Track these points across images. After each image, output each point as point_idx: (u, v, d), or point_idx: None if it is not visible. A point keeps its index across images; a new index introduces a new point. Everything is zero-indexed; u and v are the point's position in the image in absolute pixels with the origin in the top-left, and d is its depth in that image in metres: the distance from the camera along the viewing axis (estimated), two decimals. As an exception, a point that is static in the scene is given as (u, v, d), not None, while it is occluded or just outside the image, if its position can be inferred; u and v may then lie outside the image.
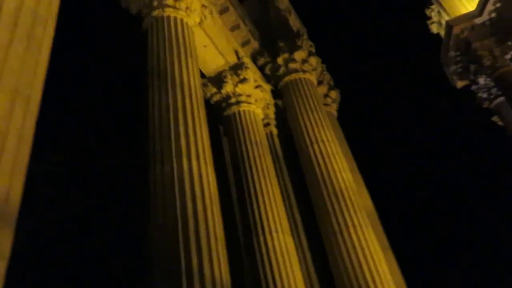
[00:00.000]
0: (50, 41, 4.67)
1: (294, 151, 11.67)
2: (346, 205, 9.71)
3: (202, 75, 10.93)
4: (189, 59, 8.30)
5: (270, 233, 8.97)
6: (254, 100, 11.65)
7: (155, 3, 8.71)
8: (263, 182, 9.89)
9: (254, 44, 13.01)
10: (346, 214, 9.57)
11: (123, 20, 9.74)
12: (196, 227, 6.12)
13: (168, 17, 8.68)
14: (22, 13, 4.28)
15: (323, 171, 10.32)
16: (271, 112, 12.52)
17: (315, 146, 10.77)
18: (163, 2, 8.72)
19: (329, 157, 10.56)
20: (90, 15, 10.87)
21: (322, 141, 10.84)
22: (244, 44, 12.65)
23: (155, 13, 8.73)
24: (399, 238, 13.11)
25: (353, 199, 9.91)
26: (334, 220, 9.53)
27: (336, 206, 9.70)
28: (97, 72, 11.34)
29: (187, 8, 9.02)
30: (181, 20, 8.71)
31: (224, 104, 11.56)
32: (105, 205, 9.97)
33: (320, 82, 13.62)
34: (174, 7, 8.69)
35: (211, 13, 10.17)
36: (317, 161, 10.55)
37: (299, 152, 11.24)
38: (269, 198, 9.55)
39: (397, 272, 10.56)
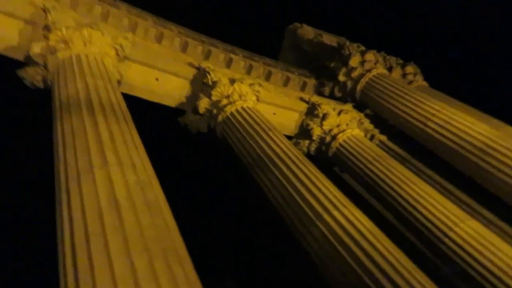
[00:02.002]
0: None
1: (411, 143, 11.00)
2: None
3: (289, 137, 11.17)
4: (270, 132, 8.75)
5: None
6: (346, 125, 11.44)
7: (223, 110, 9.59)
8: (407, 188, 9.38)
9: (311, 82, 13.07)
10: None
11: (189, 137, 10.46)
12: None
13: (238, 112, 9.53)
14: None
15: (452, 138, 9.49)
16: (367, 123, 12.13)
17: (430, 123, 9.97)
18: (230, 100, 9.55)
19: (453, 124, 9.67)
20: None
21: (434, 115, 10.01)
22: (303, 88, 12.77)
23: (225, 114, 9.58)
24: None
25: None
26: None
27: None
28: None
29: (240, 96, 9.72)
30: (245, 107, 9.37)
31: (324, 148, 11.51)
32: None
33: (390, 68, 13.03)
34: (232, 103, 9.47)
35: (260, 85, 10.59)
36: (443, 135, 9.70)
37: (419, 136, 10.49)
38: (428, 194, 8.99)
39: None
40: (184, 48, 10.20)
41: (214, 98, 9.77)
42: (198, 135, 10.43)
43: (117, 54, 8.55)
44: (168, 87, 9.92)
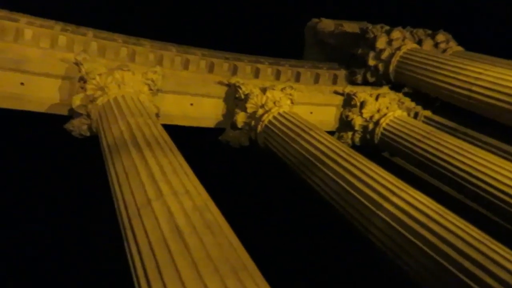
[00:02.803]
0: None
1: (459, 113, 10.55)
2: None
3: (331, 133, 11.04)
4: (311, 131, 8.72)
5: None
6: (386, 108, 11.16)
7: (261, 120, 9.83)
8: (464, 159, 8.98)
9: (341, 74, 12.87)
10: None
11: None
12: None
13: (275, 118, 9.60)
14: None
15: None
16: (408, 102, 11.77)
17: (476, 88, 9.50)
18: (265, 109, 9.80)
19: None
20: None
21: (478, 78, 9.52)
22: (334, 81, 12.61)
23: (263, 123, 9.76)
24: None
25: None
26: None
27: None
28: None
29: (274, 102, 9.78)
30: (281, 112, 9.42)
31: (368, 136, 11.29)
32: None
33: (419, 42, 12.60)
34: (268, 111, 9.55)
35: (291, 88, 10.57)
36: (491, 97, 9.20)
37: (466, 103, 10.02)
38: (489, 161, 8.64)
39: None
40: (210, 69, 10.42)
41: (249, 110, 9.88)
42: (241, 150, 10.56)
43: (150, 89, 8.87)
44: (203, 109, 10.15)
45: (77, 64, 8.40)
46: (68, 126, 8.49)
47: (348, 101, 11.54)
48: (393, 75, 11.72)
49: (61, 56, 8.57)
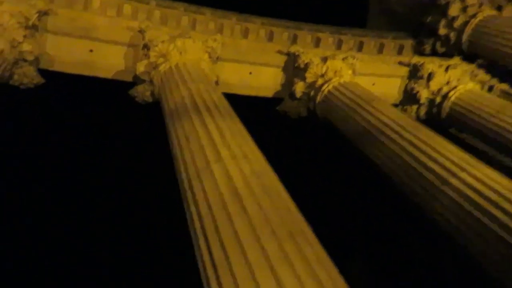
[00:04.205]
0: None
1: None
2: None
3: (394, 106, 10.52)
4: (374, 102, 8.35)
5: None
6: (457, 81, 10.40)
7: (320, 90, 9.53)
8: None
9: (408, 43, 12.13)
10: None
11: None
12: None
13: (335, 88, 9.30)
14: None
15: None
16: (482, 74, 10.87)
17: None
18: (325, 79, 9.51)
19: None
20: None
21: None
22: (400, 51, 11.92)
23: (327, 89, 9.46)
24: None
25: None
26: None
27: None
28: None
29: (335, 72, 9.45)
30: (342, 82, 9.07)
31: (435, 110, 10.64)
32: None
33: (499, 8, 11.46)
34: (328, 81, 9.28)
35: (353, 58, 10.14)
36: None
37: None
38: None
39: None
40: (270, 37, 10.24)
41: (309, 80, 9.63)
42: (299, 120, 10.40)
43: (210, 57, 8.91)
44: (262, 78, 10.06)
45: (141, 32, 8.60)
46: (133, 92, 8.80)
47: (414, 73, 10.89)
48: (466, 45, 10.83)
49: (126, 24, 8.82)
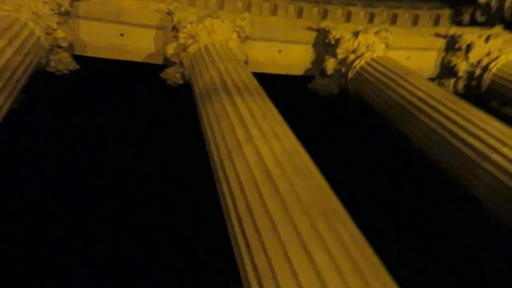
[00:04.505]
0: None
1: None
2: None
3: (431, 80, 10.12)
4: (409, 77, 8.06)
5: None
6: (498, 51, 9.87)
7: (352, 66, 9.38)
8: None
9: (445, 13, 11.53)
10: None
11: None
12: None
13: (368, 64, 9.10)
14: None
15: None
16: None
17: None
18: (357, 54, 9.34)
19: None
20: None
21: None
22: (436, 22, 11.37)
23: (359, 65, 9.23)
24: None
25: None
26: None
27: None
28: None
29: (368, 46, 9.18)
30: (374, 57, 8.85)
31: (474, 83, 10.17)
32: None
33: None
34: (360, 56, 9.01)
35: (386, 31, 9.77)
36: None
37: None
38: None
39: None
40: (299, 14, 10.02)
41: (340, 56, 9.39)
42: (330, 98, 10.20)
43: (239, 36, 8.82)
44: (291, 56, 9.89)
45: (169, 13, 8.60)
46: (163, 75, 8.88)
47: (451, 44, 10.38)
48: (509, 12, 10.18)
49: (155, 6, 8.84)
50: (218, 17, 8.57)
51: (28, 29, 7.18)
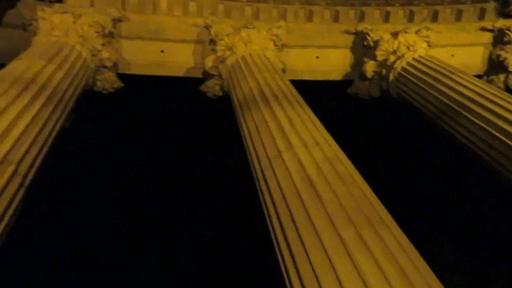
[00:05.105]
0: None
1: None
2: None
3: (477, 77, 9.66)
4: (454, 75, 7.74)
5: None
6: (552, 42, 9.25)
7: (393, 67, 9.04)
8: None
9: (490, 6, 10.98)
10: None
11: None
12: None
13: (410, 64, 8.79)
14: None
15: None
16: None
17: None
18: (398, 55, 9.02)
19: None
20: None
21: None
22: (481, 16, 10.86)
23: (395, 71, 8.94)
24: None
25: None
26: None
27: None
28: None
29: (408, 46, 8.93)
30: (416, 57, 8.60)
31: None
32: None
33: None
34: (401, 57, 8.78)
35: (427, 29, 9.45)
36: None
37: None
38: None
39: None
40: (335, 18, 9.93)
41: (379, 58, 9.18)
42: (371, 102, 9.98)
43: (275, 45, 8.87)
44: (329, 62, 9.80)
45: (206, 27, 8.80)
46: (203, 87, 9.07)
47: (499, 38, 9.87)
48: None
49: (192, 21, 9.09)
50: (254, 27, 8.66)
51: (75, 52, 7.59)
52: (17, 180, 4.41)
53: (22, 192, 4.49)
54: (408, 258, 3.69)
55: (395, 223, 4.16)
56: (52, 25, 7.78)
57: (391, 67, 9.02)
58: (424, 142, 9.17)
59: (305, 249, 3.97)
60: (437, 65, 8.34)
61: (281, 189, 4.73)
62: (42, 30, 7.82)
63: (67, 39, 7.71)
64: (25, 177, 4.60)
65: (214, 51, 8.71)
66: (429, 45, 9.23)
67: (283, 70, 8.78)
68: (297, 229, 4.17)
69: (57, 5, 8.29)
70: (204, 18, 8.86)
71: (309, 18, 9.81)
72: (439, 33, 9.66)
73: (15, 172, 4.40)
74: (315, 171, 4.70)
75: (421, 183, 8.62)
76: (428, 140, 8.86)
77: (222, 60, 8.52)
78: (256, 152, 5.60)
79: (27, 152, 4.79)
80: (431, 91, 7.94)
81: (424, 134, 8.94)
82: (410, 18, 10.10)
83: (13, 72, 5.95)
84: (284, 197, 4.60)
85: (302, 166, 4.81)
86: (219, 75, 8.65)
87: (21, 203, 4.52)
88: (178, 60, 9.16)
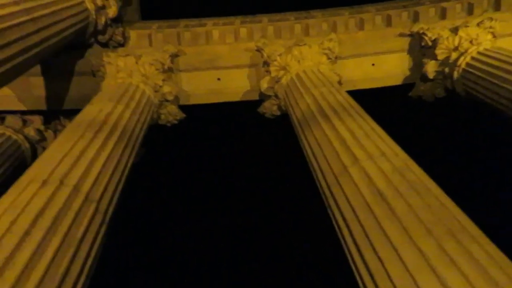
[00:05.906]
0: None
1: None
2: None
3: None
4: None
5: None
6: None
7: (457, 65, 8.60)
8: None
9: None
10: None
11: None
12: None
13: (475, 59, 8.33)
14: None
15: None
16: None
17: None
18: (461, 51, 8.59)
19: None
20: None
21: None
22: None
23: (460, 68, 8.48)
24: None
25: None
26: None
27: None
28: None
29: (471, 41, 8.44)
30: (481, 51, 8.09)
31: None
32: None
33: None
34: (464, 53, 8.29)
35: (490, 19, 8.79)
36: None
37: None
38: None
39: None
40: (388, 22, 9.66)
41: (440, 57, 8.74)
42: (435, 104, 9.48)
43: (329, 58, 8.79)
44: (386, 67, 9.51)
45: (258, 50, 8.97)
46: (261, 109, 9.20)
47: None
48: None
49: (244, 46, 9.32)
50: (305, 44, 8.67)
51: (140, 91, 8.08)
52: (99, 218, 4.71)
53: (104, 228, 4.78)
54: (500, 270, 3.40)
55: (481, 232, 3.86)
56: (117, 68, 8.37)
57: (454, 64, 8.54)
58: (501, 140, 8.48)
59: (383, 266, 3.80)
60: (507, 56, 7.76)
61: (351, 205, 4.60)
62: (108, 74, 8.44)
63: (131, 80, 8.23)
64: (105, 214, 4.91)
65: (268, 72, 8.83)
66: (494, 36, 8.62)
67: (339, 83, 8.66)
68: (372, 246, 4.02)
69: (120, 49, 8.92)
70: (255, 41, 9.04)
71: (360, 26, 9.63)
72: (504, 21, 8.99)
73: (96, 210, 4.71)
74: (384, 184, 4.53)
75: (506, 186, 7.93)
76: (506, 138, 8.18)
77: (277, 80, 8.60)
78: (320, 169, 5.52)
79: (105, 189, 5.12)
80: (503, 84, 7.37)
81: (500, 131, 8.27)
82: (469, 10, 9.53)
83: (87, 116, 6.45)
84: (355, 213, 4.47)
85: (370, 179, 4.66)
86: (276, 95, 8.73)
87: (104, 238, 4.81)
88: (234, 85, 9.40)
